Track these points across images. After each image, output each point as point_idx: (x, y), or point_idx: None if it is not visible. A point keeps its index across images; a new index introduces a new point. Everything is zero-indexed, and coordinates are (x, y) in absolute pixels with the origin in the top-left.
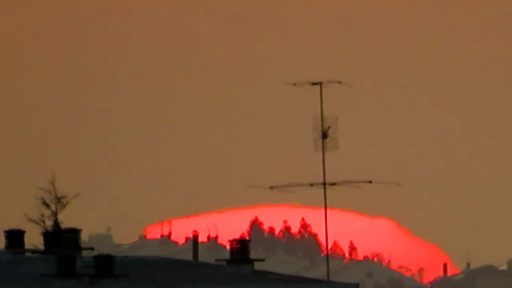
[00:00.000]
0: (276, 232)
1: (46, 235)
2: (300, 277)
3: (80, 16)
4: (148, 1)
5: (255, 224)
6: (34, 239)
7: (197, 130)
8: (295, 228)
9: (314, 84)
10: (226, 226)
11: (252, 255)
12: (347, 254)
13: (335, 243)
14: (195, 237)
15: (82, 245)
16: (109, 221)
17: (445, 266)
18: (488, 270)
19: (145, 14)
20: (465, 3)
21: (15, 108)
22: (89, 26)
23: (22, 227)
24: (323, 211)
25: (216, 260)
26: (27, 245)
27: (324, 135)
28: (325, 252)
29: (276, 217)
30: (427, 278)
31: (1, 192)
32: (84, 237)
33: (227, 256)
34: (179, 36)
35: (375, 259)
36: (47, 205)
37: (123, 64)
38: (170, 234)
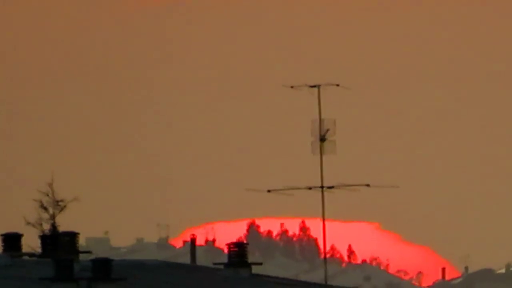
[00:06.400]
0: (274, 235)
1: (44, 238)
2: (298, 280)
3: (80, 17)
4: (144, 2)
5: (253, 228)
6: (31, 243)
7: (194, 132)
8: (293, 232)
9: (312, 86)
10: (224, 229)
11: (250, 258)
12: (345, 258)
13: (332, 247)
14: (193, 241)
15: (80, 249)
16: (106, 224)
17: (443, 270)
18: (487, 274)
19: (142, 15)
20: (466, 5)
21: (14, 111)
22: (88, 28)
23: (19, 230)
24: (321, 214)
25: (214, 263)
26: (25, 249)
27: (322, 138)
28: (323, 255)
29: (274, 220)
30: (426, 282)
31: None
32: (81, 240)
33: (225, 259)
34: (176, 38)
35: (373, 263)
36: (45, 208)
37: (122, 66)
38: (168, 237)
